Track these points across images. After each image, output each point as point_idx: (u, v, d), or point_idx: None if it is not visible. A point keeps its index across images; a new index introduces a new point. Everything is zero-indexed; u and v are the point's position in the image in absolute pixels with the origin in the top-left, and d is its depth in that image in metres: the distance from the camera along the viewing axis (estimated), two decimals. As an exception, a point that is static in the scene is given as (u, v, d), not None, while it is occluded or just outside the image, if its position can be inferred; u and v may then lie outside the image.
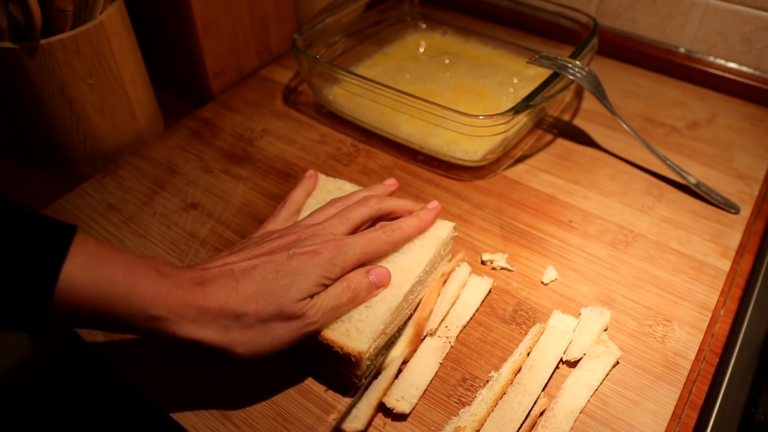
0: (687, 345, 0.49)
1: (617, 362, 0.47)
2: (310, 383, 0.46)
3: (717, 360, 0.49)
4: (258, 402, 0.45)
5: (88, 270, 0.36)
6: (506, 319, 0.51)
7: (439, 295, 0.50)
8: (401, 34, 0.83)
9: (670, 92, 0.76)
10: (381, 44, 0.81)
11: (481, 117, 0.58)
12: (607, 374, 0.46)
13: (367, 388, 0.44)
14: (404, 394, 0.44)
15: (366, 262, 0.46)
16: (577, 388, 0.45)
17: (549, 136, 0.70)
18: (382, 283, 0.46)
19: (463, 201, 0.61)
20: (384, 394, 0.44)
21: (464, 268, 0.53)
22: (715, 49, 0.76)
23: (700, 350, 0.49)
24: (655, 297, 0.52)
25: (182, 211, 0.60)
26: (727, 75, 0.75)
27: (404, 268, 0.47)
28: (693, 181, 0.62)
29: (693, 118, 0.72)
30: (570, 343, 0.48)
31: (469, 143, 0.64)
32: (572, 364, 0.47)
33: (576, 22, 0.72)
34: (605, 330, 0.50)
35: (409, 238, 0.49)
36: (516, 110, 0.58)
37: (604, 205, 0.61)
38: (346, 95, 0.70)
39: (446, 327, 0.49)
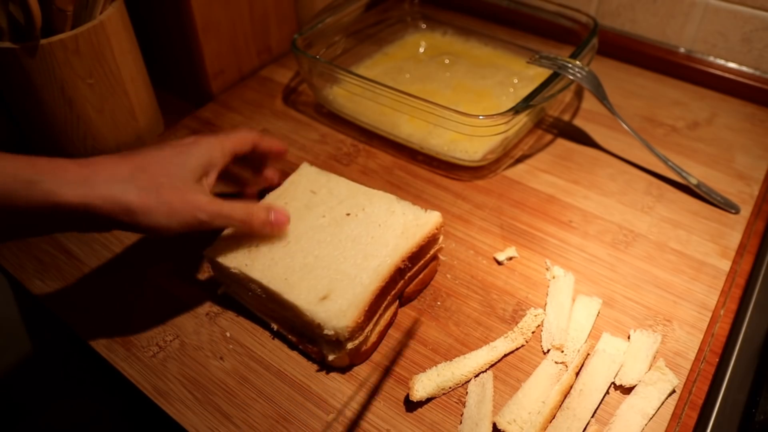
0: (687, 345, 0.49)
1: (673, 390, 0.45)
2: (311, 383, 0.46)
3: (717, 360, 0.49)
4: (258, 402, 0.45)
5: None
6: (506, 319, 0.51)
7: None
8: (401, 34, 0.83)
9: (670, 92, 0.76)
10: (381, 44, 0.81)
11: (481, 117, 0.58)
12: (663, 402, 0.44)
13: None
14: (516, 417, 0.43)
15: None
16: (632, 416, 0.43)
17: (549, 136, 0.70)
18: (279, 225, 0.48)
19: (463, 201, 0.61)
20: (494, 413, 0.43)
21: (569, 280, 0.52)
22: (715, 49, 0.76)
23: (700, 350, 0.49)
24: (655, 297, 0.52)
25: (182, 211, 0.60)
26: (727, 75, 0.75)
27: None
28: (693, 181, 0.62)
29: (693, 118, 0.72)
30: (621, 367, 0.46)
31: (469, 143, 0.64)
32: (624, 390, 0.45)
33: (576, 22, 0.72)
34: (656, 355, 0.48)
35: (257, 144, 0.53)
36: (516, 110, 0.58)
37: (604, 205, 0.61)
38: (346, 95, 0.70)
39: (563, 353, 0.47)
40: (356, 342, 0.45)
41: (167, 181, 0.43)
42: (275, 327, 0.49)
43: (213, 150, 0.48)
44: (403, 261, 0.48)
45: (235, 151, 0.50)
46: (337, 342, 0.45)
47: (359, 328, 0.44)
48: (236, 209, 0.46)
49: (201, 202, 0.44)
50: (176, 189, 0.43)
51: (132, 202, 0.41)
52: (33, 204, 0.39)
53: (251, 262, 0.48)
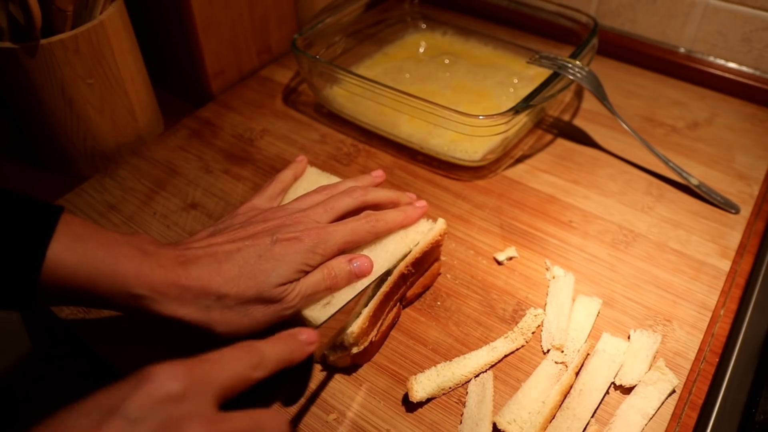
0: (687, 345, 0.49)
1: (673, 391, 0.45)
2: (310, 383, 0.46)
3: (717, 360, 0.49)
4: (258, 402, 0.45)
5: (73, 249, 0.37)
6: (506, 319, 0.51)
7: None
8: (401, 34, 0.83)
9: (670, 92, 0.76)
10: (381, 44, 0.81)
11: (481, 117, 0.58)
12: (663, 402, 0.44)
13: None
14: (516, 417, 0.43)
15: (347, 250, 0.47)
16: (632, 416, 0.43)
17: (549, 136, 0.70)
18: (363, 273, 0.46)
19: (463, 201, 0.61)
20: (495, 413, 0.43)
21: (569, 280, 0.52)
22: (715, 49, 0.76)
23: (700, 350, 0.49)
24: (655, 297, 0.52)
25: (182, 211, 0.60)
26: (727, 75, 0.75)
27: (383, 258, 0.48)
28: (693, 181, 0.62)
29: (693, 118, 0.72)
30: (621, 367, 0.46)
31: (469, 143, 0.64)
32: (624, 390, 0.45)
33: (576, 22, 0.72)
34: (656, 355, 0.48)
35: (391, 231, 0.49)
36: (516, 110, 0.58)
37: (604, 205, 0.61)
38: (346, 95, 0.70)
39: (563, 353, 0.47)
40: (360, 347, 0.45)
41: (254, 293, 0.42)
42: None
43: (310, 258, 0.44)
44: (407, 267, 0.48)
45: (341, 251, 0.46)
46: (341, 346, 0.45)
47: (364, 333, 0.44)
48: (319, 282, 0.44)
49: (285, 303, 0.43)
50: (263, 304, 0.42)
51: (215, 321, 0.41)
52: (131, 309, 0.40)
53: None
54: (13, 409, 0.80)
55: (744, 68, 0.75)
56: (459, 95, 0.72)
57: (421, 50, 0.81)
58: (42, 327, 0.71)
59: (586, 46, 0.66)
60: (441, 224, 0.51)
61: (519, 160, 0.66)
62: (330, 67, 0.67)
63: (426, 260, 0.50)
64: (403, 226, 0.50)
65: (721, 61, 0.76)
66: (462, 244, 0.57)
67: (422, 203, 0.52)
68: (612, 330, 0.49)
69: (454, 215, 0.60)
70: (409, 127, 0.67)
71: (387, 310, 0.48)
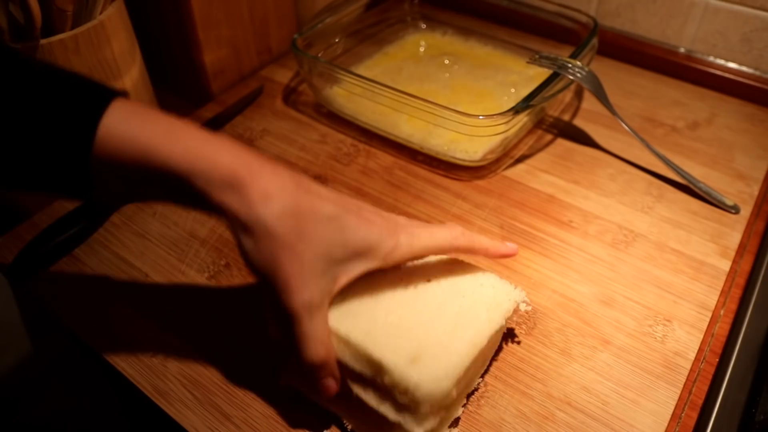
0: (687, 345, 0.49)
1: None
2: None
3: (717, 360, 0.49)
4: (258, 402, 0.45)
5: (127, 123, 0.35)
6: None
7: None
8: (401, 34, 0.83)
9: (670, 92, 0.76)
10: (381, 44, 0.81)
11: (481, 117, 0.58)
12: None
13: None
14: None
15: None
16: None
17: (549, 136, 0.70)
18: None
19: (463, 201, 0.61)
20: None
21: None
22: (715, 49, 0.76)
23: (700, 350, 0.49)
24: (655, 297, 0.52)
25: (182, 211, 0.60)
26: (727, 75, 0.75)
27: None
28: (693, 181, 0.62)
29: (693, 118, 0.72)
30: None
31: (469, 143, 0.64)
32: None
33: (576, 22, 0.72)
34: None
35: (470, 250, 0.45)
36: (516, 110, 0.58)
37: (604, 205, 0.61)
38: (346, 95, 0.70)
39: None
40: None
41: (299, 245, 0.37)
42: (349, 426, 0.43)
43: (379, 243, 0.40)
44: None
45: (408, 260, 0.44)
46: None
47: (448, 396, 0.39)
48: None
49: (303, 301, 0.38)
50: (298, 258, 0.37)
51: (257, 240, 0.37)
52: (188, 197, 0.37)
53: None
54: (13, 409, 0.80)
55: (744, 68, 0.75)
56: (459, 95, 0.72)
57: (421, 50, 0.81)
58: (42, 327, 0.71)
59: (586, 46, 0.66)
60: (521, 295, 0.46)
61: (519, 160, 0.66)
62: (330, 67, 0.67)
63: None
64: (485, 252, 0.46)
65: (721, 61, 0.76)
66: (462, 244, 0.57)
67: (513, 246, 0.47)
68: (612, 330, 0.50)
69: (454, 215, 0.60)
70: (409, 127, 0.67)
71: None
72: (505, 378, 0.47)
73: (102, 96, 0.36)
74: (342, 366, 0.41)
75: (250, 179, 0.37)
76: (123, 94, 0.36)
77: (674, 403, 0.45)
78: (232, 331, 0.50)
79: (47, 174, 0.36)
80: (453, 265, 0.47)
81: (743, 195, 0.62)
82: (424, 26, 0.84)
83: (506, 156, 0.66)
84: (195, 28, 0.69)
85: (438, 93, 0.72)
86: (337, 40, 0.77)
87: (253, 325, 0.50)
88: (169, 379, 0.47)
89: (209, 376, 0.47)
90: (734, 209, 0.60)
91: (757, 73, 0.74)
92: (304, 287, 0.38)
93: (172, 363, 0.48)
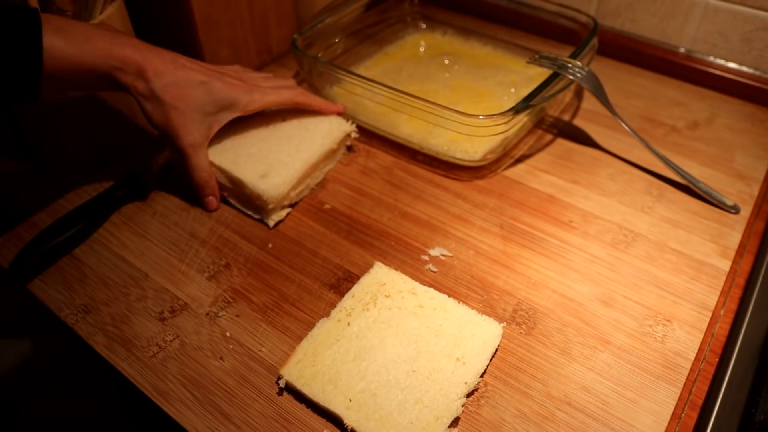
0: (687, 345, 0.49)
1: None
2: (310, 383, 0.46)
3: (717, 360, 0.49)
4: (258, 402, 0.45)
5: (59, 43, 0.48)
6: (506, 319, 0.51)
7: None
8: (401, 34, 0.83)
9: (670, 92, 0.76)
10: (381, 44, 0.81)
11: (481, 117, 0.58)
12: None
13: None
14: None
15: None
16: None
17: (549, 136, 0.70)
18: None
19: (463, 201, 0.61)
20: None
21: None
22: (715, 49, 0.76)
23: (700, 350, 0.49)
24: (655, 297, 0.52)
25: (182, 211, 0.60)
26: (727, 75, 0.75)
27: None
28: (693, 181, 0.62)
29: (693, 118, 0.72)
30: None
31: (469, 143, 0.64)
32: None
33: (576, 22, 0.72)
34: None
35: (308, 106, 0.63)
36: (516, 110, 0.58)
37: (604, 205, 0.61)
38: (346, 95, 0.70)
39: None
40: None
41: (181, 105, 0.54)
42: (349, 427, 0.43)
43: (238, 100, 0.58)
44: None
45: (262, 109, 0.61)
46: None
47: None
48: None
49: (193, 139, 0.56)
50: (182, 114, 0.55)
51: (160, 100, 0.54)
52: (104, 77, 0.52)
53: None
54: (13, 409, 0.80)
55: (744, 68, 0.75)
56: (459, 95, 0.72)
57: (421, 50, 0.81)
58: (42, 327, 0.71)
59: (586, 46, 0.66)
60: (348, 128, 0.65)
61: (519, 160, 0.66)
62: (330, 67, 0.67)
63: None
64: (320, 108, 0.64)
65: (721, 61, 0.76)
66: (462, 244, 0.57)
67: (340, 107, 0.66)
68: (612, 330, 0.50)
69: (454, 215, 0.60)
70: (409, 127, 0.67)
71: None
72: (505, 378, 0.47)
73: (33, 20, 0.47)
74: (221, 185, 0.60)
75: (145, 64, 0.52)
76: (37, 11, 0.48)
77: (674, 403, 0.45)
78: (232, 331, 0.50)
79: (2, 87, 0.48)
80: (304, 110, 0.65)
81: (743, 195, 0.62)
82: (424, 26, 0.84)
83: (506, 156, 0.66)
84: (195, 28, 0.69)
85: (438, 93, 0.72)
86: (337, 40, 0.77)
87: (253, 325, 0.50)
88: (169, 379, 0.47)
89: (209, 376, 0.47)
90: (734, 209, 0.60)
91: (757, 73, 0.74)
92: (188, 133, 0.56)
93: (172, 363, 0.48)
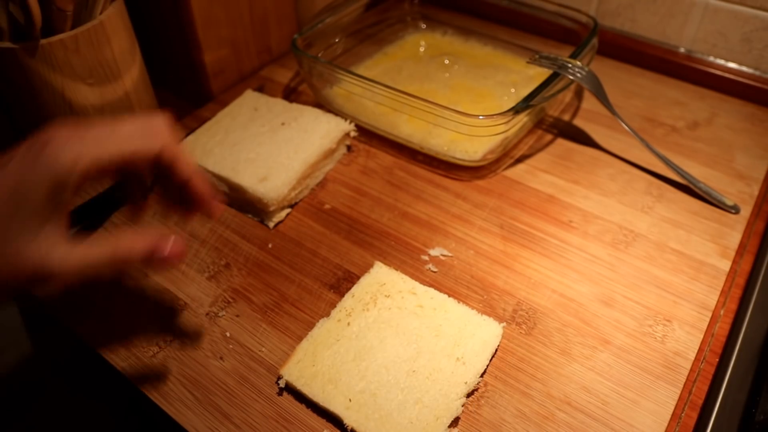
0: (687, 345, 0.49)
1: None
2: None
3: (717, 360, 0.49)
4: (258, 402, 0.45)
5: None
6: (506, 319, 0.51)
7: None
8: (401, 34, 0.83)
9: (670, 92, 0.76)
10: (381, 44, 0.81)
11: (481, 117, 0.58)
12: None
13: None
14: None
15: None
16: None
17: (549, 136, 0.70)
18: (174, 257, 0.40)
19: (463, 201, 0.61)
20: None
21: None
22: (715, 49, 0.76)
23: (700, 350, 0.49)
24: (655, 297, 0.52)
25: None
26: (727, 75, 0.75)
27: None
28: (693, 181, 0.62)
29: (693, 118, 0.72)
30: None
31: (469, 143, 0.64)
32: None
33: (576, 22, 0.72)
34: None
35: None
36: (516, 110, 0.58)
37: (604, 205, 0.61)
38: (346, 95, 0.70)
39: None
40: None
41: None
42: (349, 427, 0.43)
43: (64, 165, 0.36)
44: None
45: (108, 166, 0.37)
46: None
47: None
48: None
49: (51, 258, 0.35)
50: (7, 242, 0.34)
51: None
52: None
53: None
54: (13, 409, 0.80)
55: (744, 68, 0.75)
56: (459, 95, 0.72)
57: (421, 50, 0.81)
58: (42, 327, 0.71)
59: (586, 46, 0.66)
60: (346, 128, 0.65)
61: (519, 160, 0.66)
62: (330, 67, 0.67)
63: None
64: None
65: (721, 61, 0.76)
66: (462, 244, 0.57)
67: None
68: (611, 330, 0.50)
69: (454, 215, 0.60)
70: (409, 127, 0.67)
71: None
72: (505, 378, 0.47)
73: None
74: (225, 194, 0.60)
75: None
76: None
77: (674, 403, 0.45)
78: (232, 331, 0.50)
79: None
80: (301, 114, 0.66)
81: (743, 195, 0.62)
82: (424, 26, 0.84)
83: (506, 156, 0.66)
84: (195, 28, 0.69)
85: (438, 93, 0.72)
86: (337, 40, 0.77)
87: (253, 325, 0.50)
88: (169, 379, 0.47)
89: (209, 376, 0.47)
90: (734, 209, 0.60)
91: (757, 73, 0.74)
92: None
93: (172, 363, 0.48)
